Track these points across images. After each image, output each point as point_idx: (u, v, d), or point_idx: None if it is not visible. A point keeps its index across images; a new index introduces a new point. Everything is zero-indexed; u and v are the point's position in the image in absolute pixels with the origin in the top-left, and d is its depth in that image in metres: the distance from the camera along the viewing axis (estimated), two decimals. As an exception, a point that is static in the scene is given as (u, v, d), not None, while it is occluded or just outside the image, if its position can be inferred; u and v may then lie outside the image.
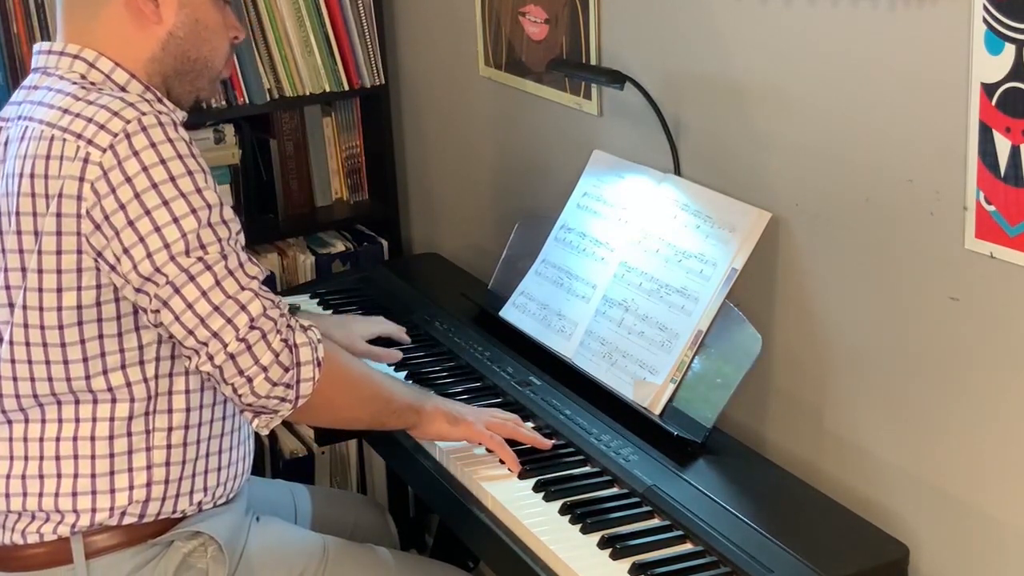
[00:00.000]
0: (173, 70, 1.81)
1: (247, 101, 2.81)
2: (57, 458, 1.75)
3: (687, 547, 1.68)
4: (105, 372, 1.73)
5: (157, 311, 1.68)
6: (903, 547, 1.70)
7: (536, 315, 2.22)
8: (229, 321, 1.67)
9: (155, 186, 1.65)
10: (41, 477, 1.75)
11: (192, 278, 1.67)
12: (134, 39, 1.78)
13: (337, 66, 2.88)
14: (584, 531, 1.71)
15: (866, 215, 1.78)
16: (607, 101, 2.31)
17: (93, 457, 1.75)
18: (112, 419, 1.74)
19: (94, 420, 1.74)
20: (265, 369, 1.69)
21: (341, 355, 1.83)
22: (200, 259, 1.67)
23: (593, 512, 1.75)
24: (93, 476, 1.75)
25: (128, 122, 1.66)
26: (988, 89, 1.55)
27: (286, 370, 1.70)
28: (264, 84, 2.82)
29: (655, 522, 1.74)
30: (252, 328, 1.68)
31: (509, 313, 2.28)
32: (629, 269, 2.08)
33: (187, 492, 1.80)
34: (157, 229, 1.65)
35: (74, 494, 1.74)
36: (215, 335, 1.67)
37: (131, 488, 1.76)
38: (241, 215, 2.91)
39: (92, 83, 1.75)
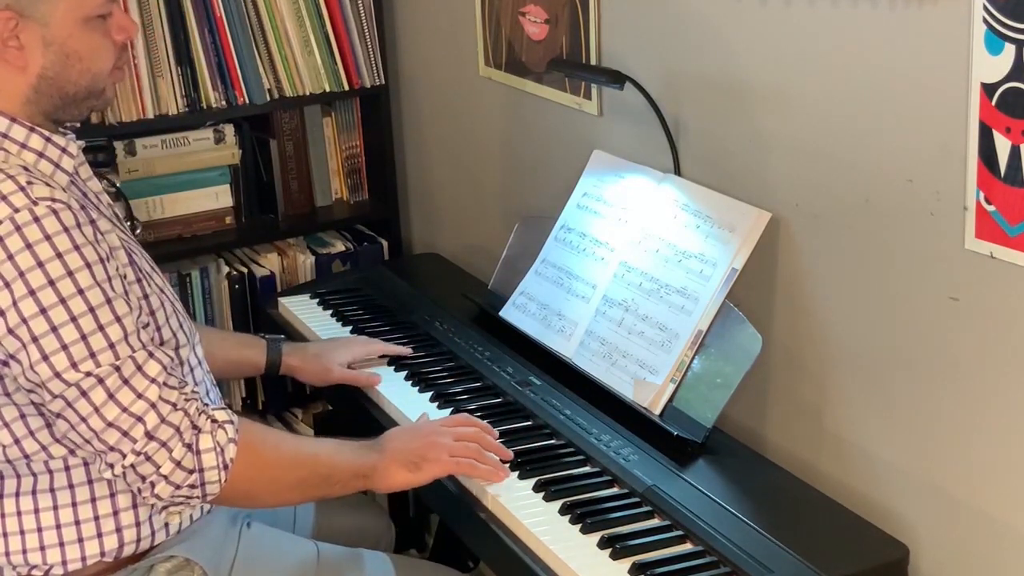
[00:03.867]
0: (53, 107, 1.69)
1: (247, 101, 2.81)
2: (19, 514, 1.71)
3: (687, 547, 1.68)
4: (43, 448, 1.68)
5: (53, 416, 1.63)
6: (903, 547, 1.70)
7: (536, 315, 2.22)
8: (125, 434, 1.61)
9: (33, 293, 1.56)
10: (5, 535, 1.71)
11: (83, 393, 1.59)
12: (4, 85, 1.66)
13: (337, 66, 2.88)
14: (584, 531, 1.71)
15: (866, 215, 1.78)
16: (607, 101, 2.31)
17: (55, 509, 1.70)
18: (67, 468, 1.70)
19: (50, 472, 1.70)
20: (166, 476, 1.63)
21: (265, 445, 1.74)
22: (89, 373, 1.59)
23: (593, 512, 1.75)
24: (58, 528, 1.71)
25: (0, 222, 1.56)
26: (988, 89, 1.55)
27: (189, 472, 1.64)
28: (264, 84, 2.82)
29: (655, 522, 1.74)
30: (150, 439, 1.62)
31: (509, 313, 2.28)
32: (629, 269, 2.08)
33: (161, 527, 1.77)
34: (35, 340, 1.57)
35: (42, 548, 1.71)
36: (112, 448, 1.62)
37: (100, 536, 1.72)
38: (241, 215, 2.94)
39: None
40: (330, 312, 2.50)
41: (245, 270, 2.89)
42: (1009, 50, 1.51)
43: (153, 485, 1.64)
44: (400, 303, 2.51)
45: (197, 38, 2.74)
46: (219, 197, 2.90)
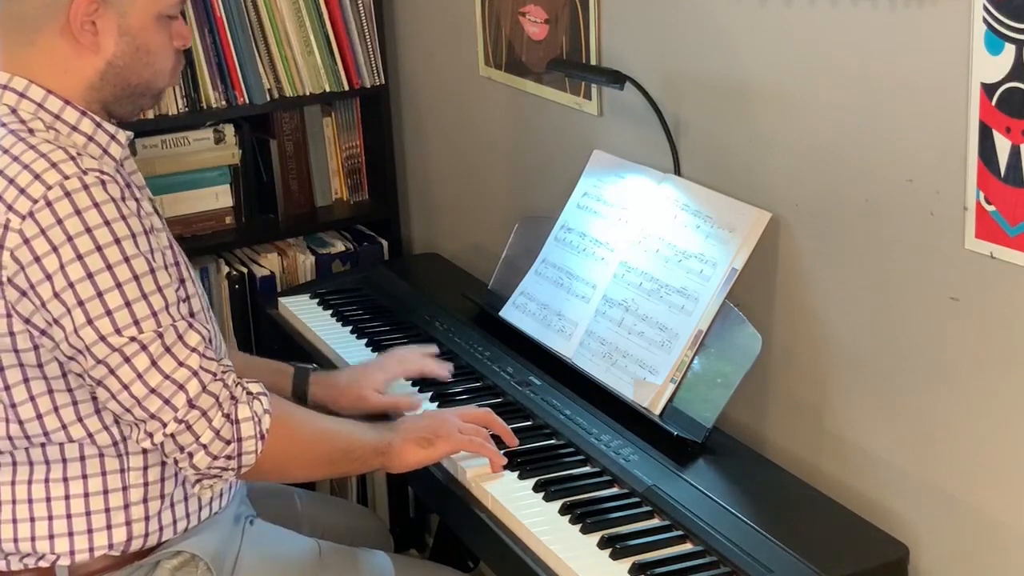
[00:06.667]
0: (113, 97, 1.73)
1: (247, 101, 2.81)
2: (30, 501, 1.71)
3: (687, 547, 1.68)
4: (64, 427, 1.68)
5: (95, 383, 1.63)
6: (903, 547, 1.70)
7: (536, 315, 2.22)
8: (167, 402, 1.62)
9: (80, 257, 1.58)
10: (15, 522, 1.72)
11: (127, 359, 1.60)
12: (71, 68, 1.69)
13: (337, 66, 2.88)
14: (584, 531, 1.71)
15: (866, 215, 1.78)
16: (607, 101, 2.31)
17: (67, 498, 1.71)
18: (83, 458, 1.71)
19: (64, 461, 1.70)
20: (205, 446, 1.64)
21: (293, 419, 1.76)
22: (133, 339, 1.60)
23: (593, 512, 1.75)
24: (69, 517, 1.71)
25: (50, 187, 1.58)
26: (988, 89, 1.55)
27: (227, 443, 1.66)
28: (264, 84, 2.82)
29: (655, 522, 1.74)
30: (192, 408, 1.63)
31: (509, 313, 2.28)
32: (629, 269, 2.08)
33: (170, 523, 1.77)
34: (80, 304, 1.58)
35: (51, 536, 1.71)
36: (153, 416, 1.62)
37: (109, 528, 1.72)
38: (241, 215, 2.94)
39: (23, 121, 1.67)
40: (330, 312, 2.50)
41: (245, 270, 2.89)
42: (1009, 50, 1.51)
43: (191, 455, 1.65)
44: (400, 303, 2.51)
45: (197, 38, 2.74)
46: (219, 197, 2.90)
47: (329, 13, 2.87)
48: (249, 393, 1.70)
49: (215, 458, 1.66)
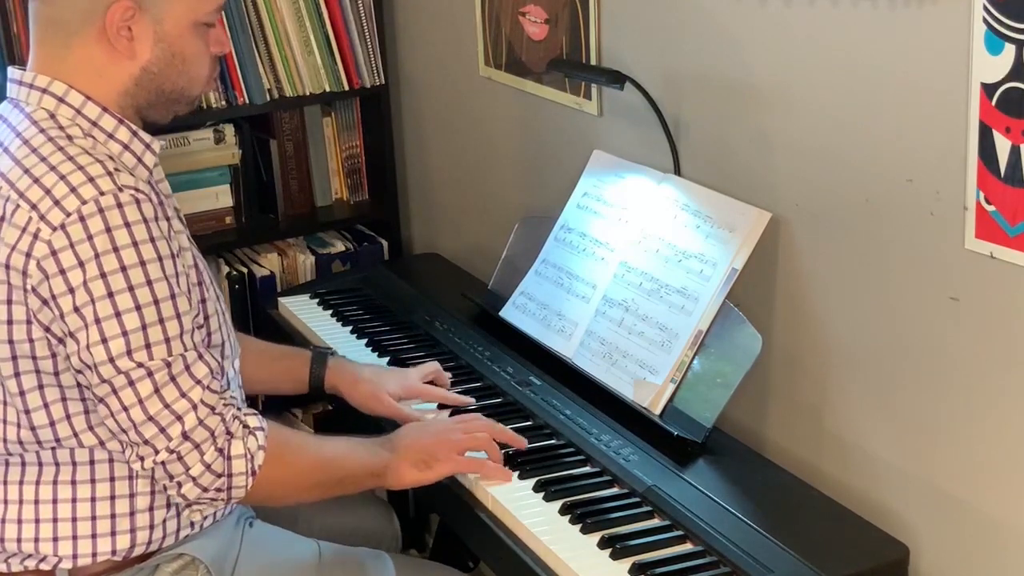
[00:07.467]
0: (147, 102, 1.74)
1: (247, 101, 2.81)
2: (36, 502, 1.71)
3: (687, 547, 1.68)
4: (75, 434, 1.68)
5: (97, 400, 1.64)
6: (903, 547, 1.70)
7: (536, 315, 2.22)
8: (162, 431, 1.63)
9: (104, 276, 1.58)
10: (20, 522, 1.72)
11: (131, 383, 1.61)
12: (106, 72, 1.70)
13: (337, 66, 2.88)
14: (584, 531, 1.71)
15: (866, 215, 1.78)
16: (607, 101, 2.31)
17: (74, 501, 1.71)
18: (92, 462, 1.71)
19: (74, 464, 1.70)
20: (195, 478, 1.65)
21: (288, 450, 1.75)
22: (141, 364, 1.61)
23: (593, 512, 1.75)
24: (74, 521, 1.71)
25: (84, 202, 1.58)
26: (988, 89, 1.55)
27: (218, 476, 1.66)
28: (264, 84, 2.82)
29: (655, 522, 1.74)
30: (185, 439, 1.64)
31: (509, 313, 2.28)
32: (629, 269, 2.08)
33: (173, 531, 1.77)
34: (97, 321, 1.59)
35: (55, 539, 1.71)
36: (146, 442, 1.63)
37: (114, 534, 1.72)
38: (241, 215, 2.94)
39: (61, 127, 1.67)
40: (330, 312, 2.50)
41: (245, 270, 2.89)
42: (1009, 50, 1.51)
43: (180, 485, 1.66)
44: (400, 303, 2.51)
45: (197, 38, 2.74)
46: (219, 197, 2.90)
47: (329, 13, 2.87)
48: (246, 427, 1.70)
49: (204, 490, 1.67)
